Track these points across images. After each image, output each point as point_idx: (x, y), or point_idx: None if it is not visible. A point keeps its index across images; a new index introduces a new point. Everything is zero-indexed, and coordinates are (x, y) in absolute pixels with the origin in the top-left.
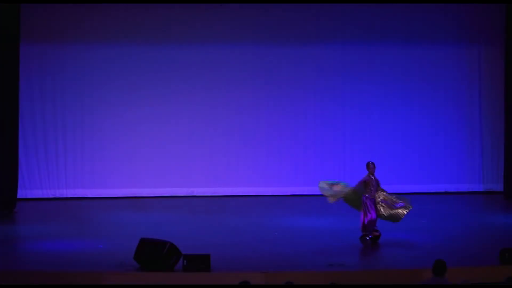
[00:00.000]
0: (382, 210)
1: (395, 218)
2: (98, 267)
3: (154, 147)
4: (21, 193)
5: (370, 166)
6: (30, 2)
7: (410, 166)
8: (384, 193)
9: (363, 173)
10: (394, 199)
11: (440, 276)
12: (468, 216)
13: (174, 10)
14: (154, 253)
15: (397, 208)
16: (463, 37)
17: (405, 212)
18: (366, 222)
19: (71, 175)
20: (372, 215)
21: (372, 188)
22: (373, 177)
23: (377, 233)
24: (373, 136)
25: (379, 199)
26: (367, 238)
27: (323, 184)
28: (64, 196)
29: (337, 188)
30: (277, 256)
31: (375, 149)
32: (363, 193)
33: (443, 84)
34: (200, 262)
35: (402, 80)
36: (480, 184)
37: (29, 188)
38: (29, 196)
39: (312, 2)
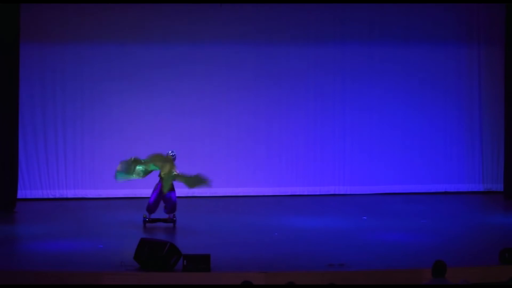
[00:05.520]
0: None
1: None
2: (98, 267)
3: (154, 147)
4: (21, 193)
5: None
6: (30, 2)
7: (410, 166)
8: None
9: (363, 173)
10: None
11: (440, 277)
12: (468, 216)
13: (174, 10)
14: (154, 253)
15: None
16: (463, 36)
17: None
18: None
19: (71, 175)
20: (150, 199)
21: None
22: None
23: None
24: (373, 136)
25: None
26: (145, 218)
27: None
28: (64, 196)
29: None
30: (277, 256)
31: (375, 149)
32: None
33: (443, 84)
34: (200, 262)
35: (402, 80)
36: (480, 184)
37: (29, 188)
38: (29, 196)
39: (312, 2)
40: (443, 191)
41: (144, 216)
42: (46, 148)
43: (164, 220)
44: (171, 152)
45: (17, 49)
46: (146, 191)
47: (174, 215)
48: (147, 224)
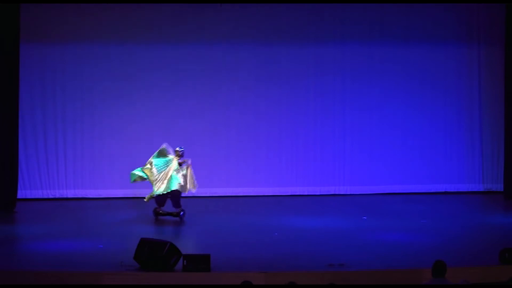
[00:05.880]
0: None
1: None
2: (98, 267)
3: (154, 147)
4: (21, 193)
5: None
6: (30, 2)
7: (410, 166)
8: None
9: (363, 173)
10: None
11: (440, 277)
12: (468, 216)
13: (174, 10)
14: (154, 253)
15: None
16: (463, 36)
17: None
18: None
19: (71, 175)
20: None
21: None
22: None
23: (162, 211)
24: (373, 136)
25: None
26: (155, 210)
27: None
28: (64, 196)
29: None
30: (277, 256)
31: (375, 149)
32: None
33: (443, 84)
34: (200, 262)
35: (402, 80)
36: (480, 184)
37: (29, 188)
38: (29, 196)
39: (312, 2)
40: (443, 191)
41: (155, 208)
42: (46, 148)
43: (171, 214)
44: (180, 148)
45: (17, 49)
46: (146, 191)
47: (181, 209)
48: (159, 217)
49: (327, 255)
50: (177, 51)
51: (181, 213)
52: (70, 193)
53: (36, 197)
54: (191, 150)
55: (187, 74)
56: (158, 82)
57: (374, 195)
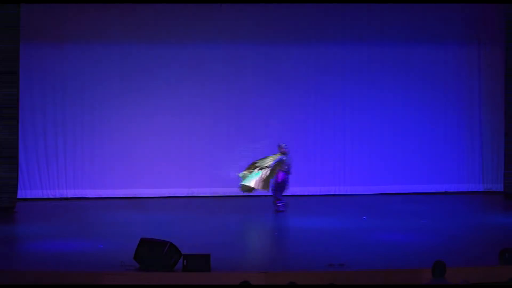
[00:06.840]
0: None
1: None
2: (98, 267)
3: (154, 147)
4: (21, 193)
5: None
6: (30, 2)
7: (410, 166)
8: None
9: (363, 173)
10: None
11: (440, 277)
12: (468, 216)
13: (174, 10)
14: (154, 253)
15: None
16: (463, 36)
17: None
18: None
19: (71, 175)
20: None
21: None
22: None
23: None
24: (374, 136)
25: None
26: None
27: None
28: (64, 196)
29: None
30: (277, 256)
31: (375, 149)
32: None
33: (443, 84)
34: (200, 262)
35: (402, 80)
36: (480, 184)
37: (29, 188)
38: (29, 196)
39: (313, 2)
40: (443, 191)
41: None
42: (46, 148)
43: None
44: (283, 145)
45: (17, 50)
46: (146, 191)
47: (278, 200)
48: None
49: (327, 255)
50: (177, 51)
51: (279, 207)
52: (70, 193)
53: (36, 197)
54: (191, 149)
55: (187, 74)
56: (158, 82)
57: (374, 195)
